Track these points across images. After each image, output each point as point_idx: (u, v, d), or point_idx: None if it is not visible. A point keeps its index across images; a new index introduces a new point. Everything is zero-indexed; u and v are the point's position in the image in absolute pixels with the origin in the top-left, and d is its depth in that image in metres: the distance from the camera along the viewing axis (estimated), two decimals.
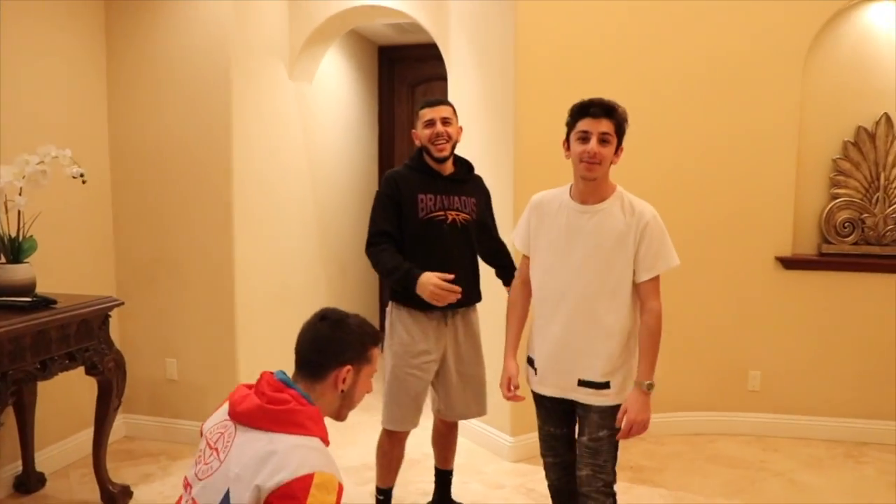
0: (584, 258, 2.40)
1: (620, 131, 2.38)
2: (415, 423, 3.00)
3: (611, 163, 2.39)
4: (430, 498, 3.34)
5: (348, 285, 5.85)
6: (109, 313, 3.29)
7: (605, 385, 2.41)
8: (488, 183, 3.15)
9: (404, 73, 6.51)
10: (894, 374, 4.15)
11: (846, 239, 4.17)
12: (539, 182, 3.87)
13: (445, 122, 2.90)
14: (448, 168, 2.97)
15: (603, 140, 2.34)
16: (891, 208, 4.13)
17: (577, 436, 2.56)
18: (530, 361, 2.60)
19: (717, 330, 4.25)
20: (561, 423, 2.60)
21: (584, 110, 2.37)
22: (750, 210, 4.20)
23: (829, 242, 4.19)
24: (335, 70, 5.52)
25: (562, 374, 2.47)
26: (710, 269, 4.21)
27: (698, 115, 4.14)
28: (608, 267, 2.38)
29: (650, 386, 2.35)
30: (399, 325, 2.94)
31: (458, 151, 3.03)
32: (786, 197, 4.20)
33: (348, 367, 1.79)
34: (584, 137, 2.35)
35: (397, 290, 2.92)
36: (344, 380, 1.79)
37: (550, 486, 2.72)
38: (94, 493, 3.40)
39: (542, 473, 2.70)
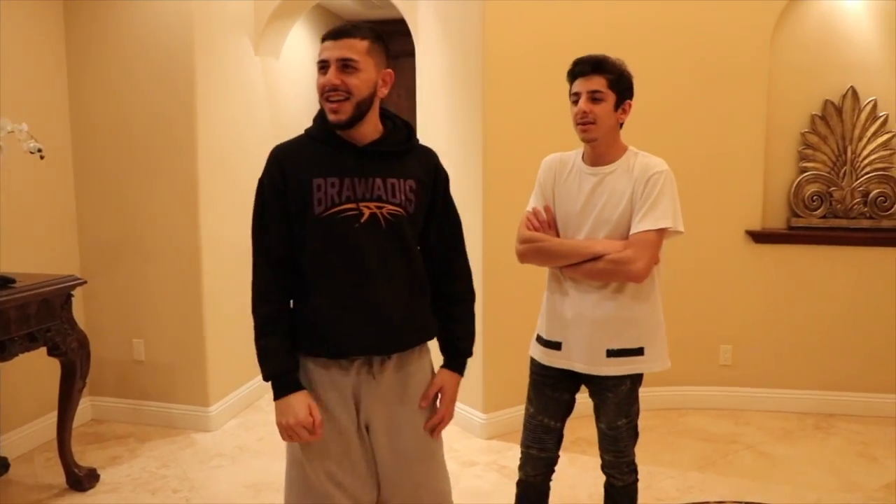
0: (595, 226, 2.24)
1: (618, 86, 2.18)
2: None
3: (618, 121, 2.22)
4: None
5: None
6: (72, 293, 3.22)
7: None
8: (454, 165, 2.31)
9: None
10: (862, 347, 4.20)
11: (815, 212, 4.19)
12: (510, 162, 3.86)
13: (346, 66, 1.80)
14: (368, 134, 1.90)
15: (593, 98, 2.16)
16: (858, 182, 4.15)
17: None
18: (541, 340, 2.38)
19: (688, 304, 4.24)
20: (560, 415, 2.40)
21: (572, 71, 2.22)
22: (719, 184, 4.21)
23: (798, 216, 4.21)
24: (302, 45, 5.44)
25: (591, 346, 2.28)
26: (681, 243, 4.08)
27: (666, 91, 4.10)
28: (619, 232, 2.22)
29: None
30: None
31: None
32: (755, 171, 4.21)
33: None
34: (576, 99, 2.20)
35: (298, 328, 1.91)
36: None
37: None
38: (59, 476, 3.34)
39: (515, 450, 2.64)
